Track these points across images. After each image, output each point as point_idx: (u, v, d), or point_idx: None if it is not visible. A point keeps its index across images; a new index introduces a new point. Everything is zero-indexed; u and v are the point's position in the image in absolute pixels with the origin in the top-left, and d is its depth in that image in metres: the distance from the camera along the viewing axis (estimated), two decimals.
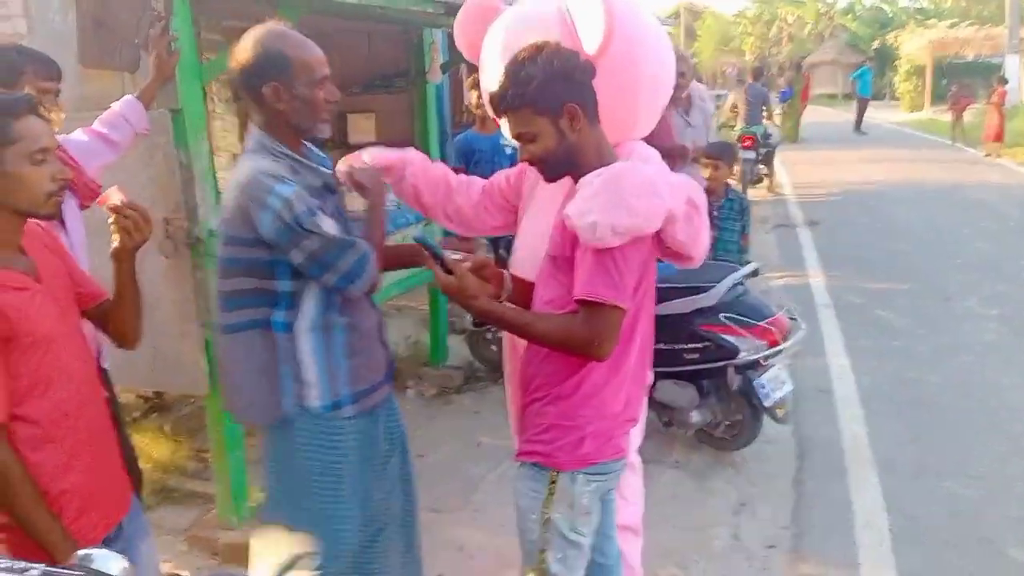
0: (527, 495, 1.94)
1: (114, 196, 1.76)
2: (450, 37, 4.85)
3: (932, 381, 4.92)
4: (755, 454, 4.06)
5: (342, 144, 4.96)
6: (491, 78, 2.04)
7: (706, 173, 4.78)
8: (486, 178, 2.46)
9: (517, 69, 1.80)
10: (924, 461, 3.94)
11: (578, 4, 1.98)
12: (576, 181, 1.86)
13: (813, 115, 23.99)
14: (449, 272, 1.80)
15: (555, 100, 1.78)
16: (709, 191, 4.76)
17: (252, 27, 2.00)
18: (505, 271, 2.04)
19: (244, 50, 1.98)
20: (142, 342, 1.99)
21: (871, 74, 21.90)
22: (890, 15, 37.79)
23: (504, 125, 1.95)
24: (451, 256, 1.83)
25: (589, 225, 1.71)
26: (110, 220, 1.76)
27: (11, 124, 1.60)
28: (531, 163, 1.90)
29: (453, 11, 2.75)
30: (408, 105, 4.72)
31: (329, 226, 1.92)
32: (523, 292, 2.03)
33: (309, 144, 2.14)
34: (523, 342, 1.99)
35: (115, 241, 1.78)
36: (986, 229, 9.21)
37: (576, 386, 1.86)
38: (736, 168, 4.82)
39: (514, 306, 1.98)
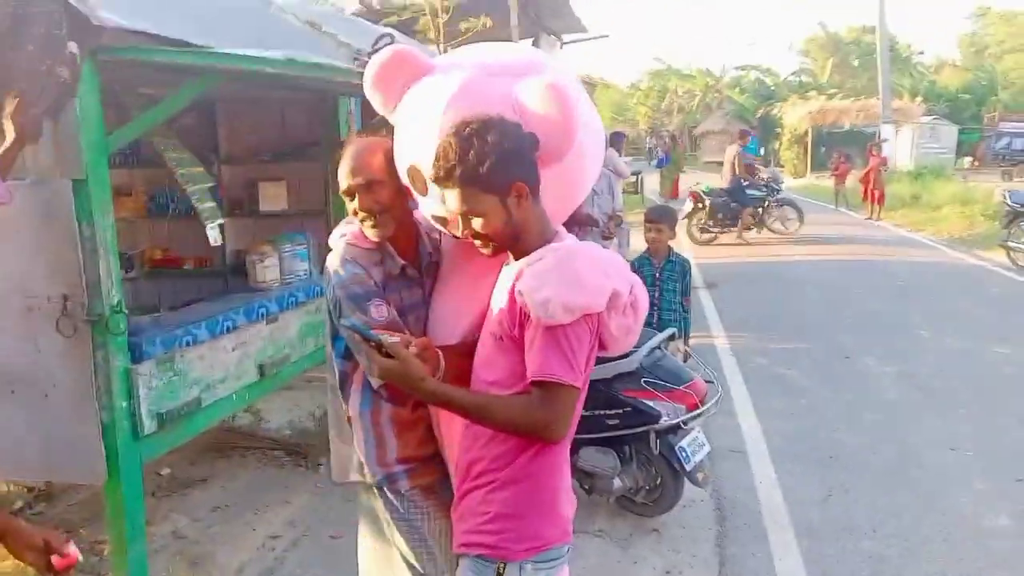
0: None
1: None
2: (363, 104, 4.83)
3: (841, 439, 5.06)
4: (676, 519, 4.05)
5: (252, 212, 4.83)
6: (420, 147, 1.93)
7: (649, 236, 4.98)
8: None
9: (467, 145, 1.72)
10: (840, 521, 4.01)
11: (533, 100, 1.81)
12: (516, 257, 1.83)
13: (703, 180, 25.08)
14: (388, 356, 1.72)
15: (505, 179, 1.73)
16: (652, 252, 4.97)
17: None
18: (438, 350, 1.95)
19: None
20: (33, 429, 1.82)
21: (756, 141, 23.55)
22: (772, 88, 40.16)
23: (438, 196, 1.88)
24: (389, 339, 1.74)
25: (542, 301, 1.66)
26: None
27: None
28: (475, 239, 1.83)
29: None
30: (321, 173, 4.64)
31: (375, 313, 1.97)
32: (454, 369, 1.96)
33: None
34: (459, 423, 1.92)
35: None
36: (877, 288, 9.71)
37: (525, 469, 1.79)
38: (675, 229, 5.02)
39: (464, 389, 1.89)
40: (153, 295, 4.83)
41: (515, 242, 1.81)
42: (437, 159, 1.76)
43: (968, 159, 28.38)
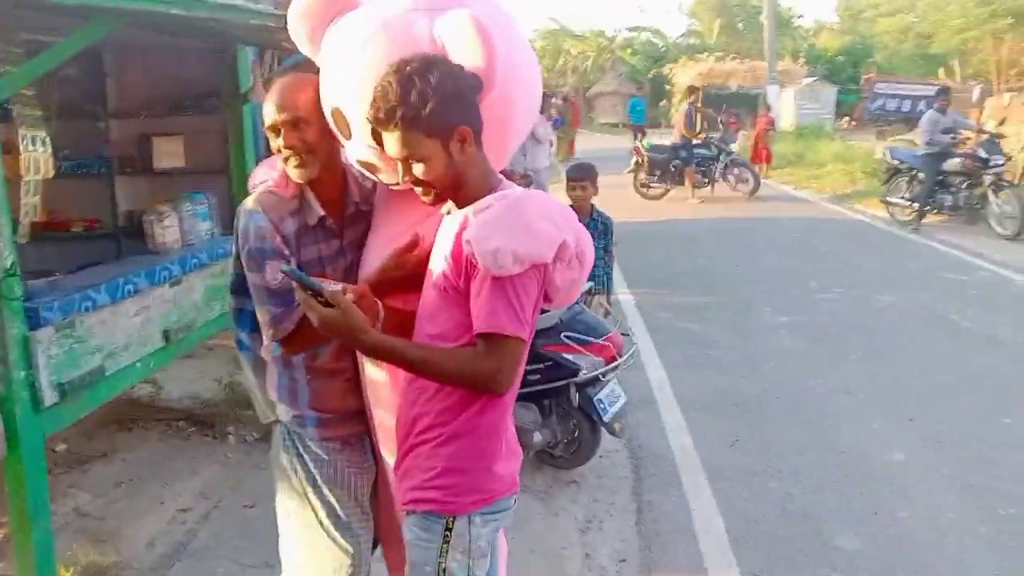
0: (419, 546, 1.79)
1: None
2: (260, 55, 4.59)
3: (744, 387, 5.25)
4: (593, 470, 4.13)
5: (146, 170, 4.55)
6: (341, 88, 1.84)
7: (573, 195, 4.94)
8: None
9: (408, 85, 1.63)
10: (748, 464, 4.18)
11: (454, 35, 1.74)
12: (459, 206, 1.77)
13: (598, 142, 25.48)
14: (328, 306, 1.63)
15: (448, 122, 1.66)
16: (576, 211, 4.87)
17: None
18: (377, 300, 1.87)
19: None
20: None
21: (643, 103, 24.37)
22: (663, 49, 40.85)
23: (361, 143, 1.80)
24: (330, 286, 1.65)
25: (491, 251, 1.61)
26: None
27: None
28: (416, 185, 1.75)
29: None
30: (220, 127, 4.41)
31: (269, 274, 1.95)
32: (393, 320, 1.90)
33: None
34: (397, 380, 1.86)
35: None
36: (769, 243, 10.09)
37: (471, 422, 1.75)
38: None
39: (406, 340, 1.82)
40: (39, 261, 4.50)
41: (457, 189, 1.75)
42: (375, 100, 1.66)
43: (846, 119, 29.73)
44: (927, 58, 33.30)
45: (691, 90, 14.91)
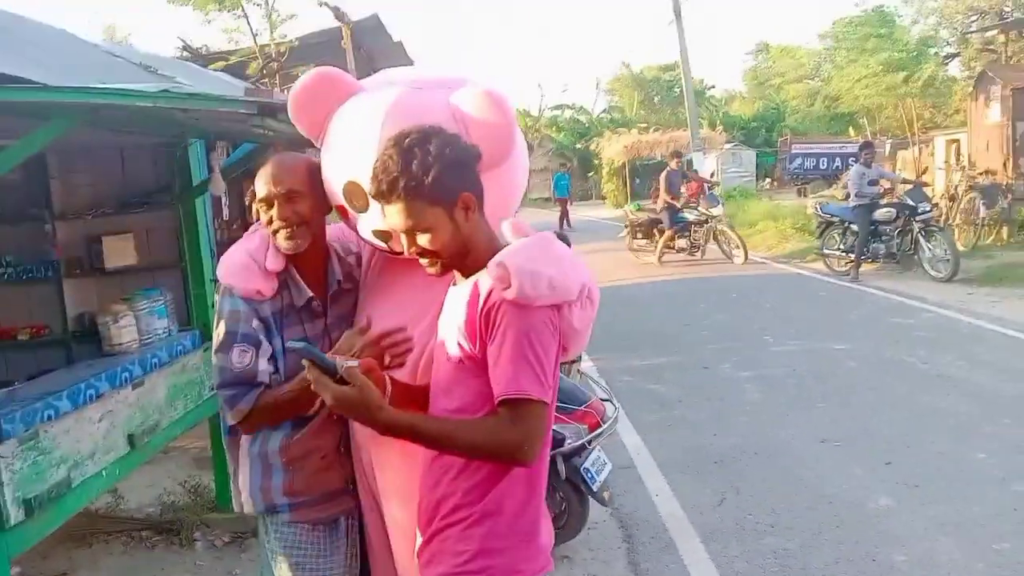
0: None
1: None
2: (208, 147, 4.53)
3: (719, 444, 5.23)
4: (584, 543, 4.01)
5: (95, 270, 4.38)
6: (358, 162, 1.84)
7: None
8: None
9: (409, 155, 1.62)
10: (739, 522, 4.11)
11: (473, 107, 1.84)
12: (465, 275, 1.73)
13: (531, 216, 25.85)
14: (342, 383, 1.55)
15: (451, 189, 1.64)
16: None
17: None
18: (385, 374, 1.80)
19: None
20: None
21: (567, 178, 25.40)
22: (587, 125, 42.15)
23: (378, 214, 1.77)
24: (345, 363, 1.57)
25: (528, 272, 1.58)
26: None
27: None
28: (422, 256, 1.71)
29: (268, 111, 2.54)
30: (172, 222, 4.30)
31: (235, 358, 1.97)
32: (401, 395, 1.82)
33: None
34: (413, 463, 1.78)
35: None
36: (718, 301, 10.26)
37: (503, 498, 1.67)
38: None
39: (423, 415, 1.75)
40: None
41: (463, 257, 1.72)
42: (376, 174, 1.65)
43: (768, 180, 30.96)
44: (836, 118, 35.02)
45: (674, 155, 14.74)
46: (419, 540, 1.79)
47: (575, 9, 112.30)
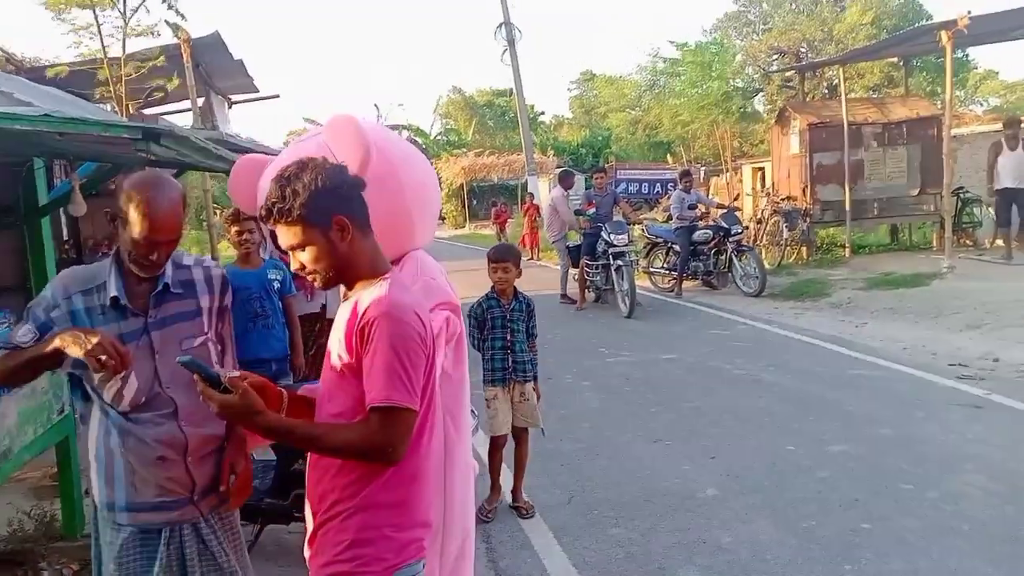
0: None
1: None
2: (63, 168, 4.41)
3: (565, 448, 5.60)
4: None
5: None
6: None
7: (495, 276, 4.71)
8: (258, 314, 3.20)
9: (284, 184, 1.84)
10: (587, 516, 4.48)
11: (334, 134, 2.20)
12: (348, 288, 1.95)
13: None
14: (226, 391, 1.74)
15: (323, 212, 1.84)
16: (499, 293, 4.71)
17: None
18: (282, 389, 2.00)
19: None
20: None
21: None
22: (424, 146, 42.47)
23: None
24: (228, 374, 1.77)
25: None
26: None
27: None
28: (304, 271, 1.92)
29: (151, 136, 2.60)
30: (15, 243, 4.16)
31: (21, 333, 2.18)
32: (296, 406, 2.01)
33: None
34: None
35: None
36: (556, 316, 10.77)
37: (377, 495, 1.86)
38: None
39: (301, 420, 1.94)
40: None
41: (343, 272, 1.93)
42: (262, 201, 1.90)
43: None
44: (655, 146, 37.33)
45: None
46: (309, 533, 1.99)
47: (410, 34, 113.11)
